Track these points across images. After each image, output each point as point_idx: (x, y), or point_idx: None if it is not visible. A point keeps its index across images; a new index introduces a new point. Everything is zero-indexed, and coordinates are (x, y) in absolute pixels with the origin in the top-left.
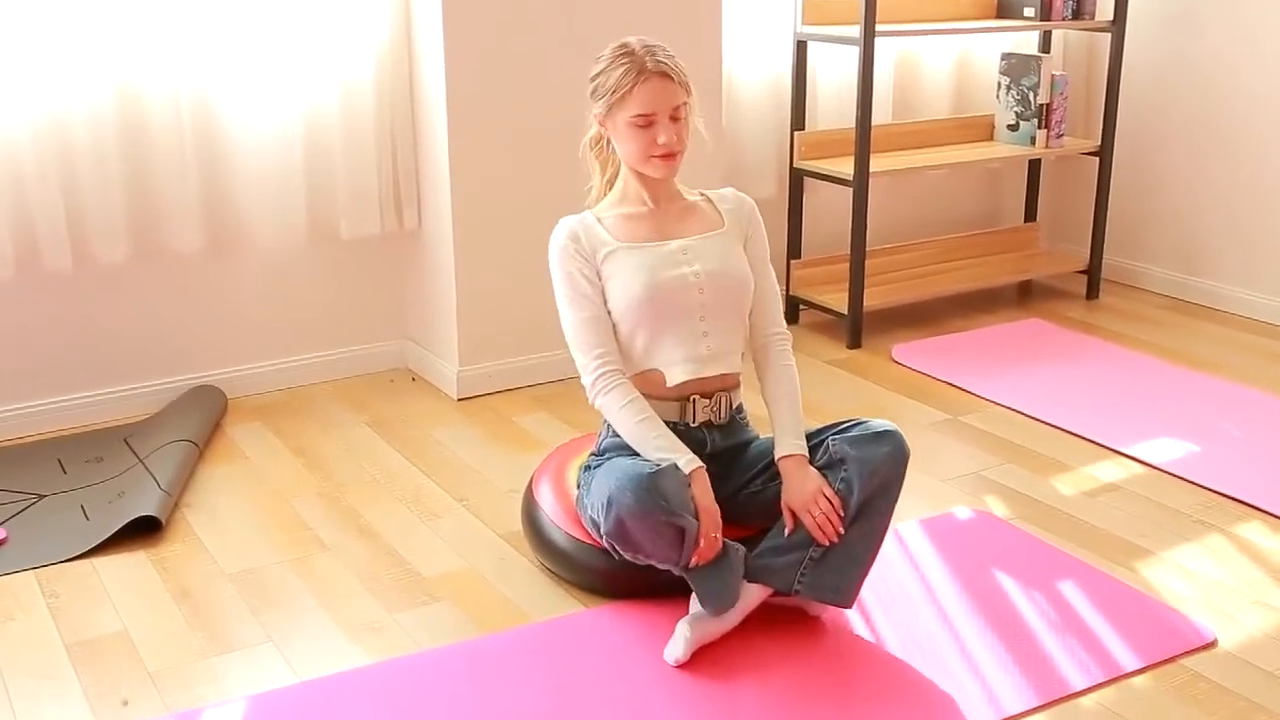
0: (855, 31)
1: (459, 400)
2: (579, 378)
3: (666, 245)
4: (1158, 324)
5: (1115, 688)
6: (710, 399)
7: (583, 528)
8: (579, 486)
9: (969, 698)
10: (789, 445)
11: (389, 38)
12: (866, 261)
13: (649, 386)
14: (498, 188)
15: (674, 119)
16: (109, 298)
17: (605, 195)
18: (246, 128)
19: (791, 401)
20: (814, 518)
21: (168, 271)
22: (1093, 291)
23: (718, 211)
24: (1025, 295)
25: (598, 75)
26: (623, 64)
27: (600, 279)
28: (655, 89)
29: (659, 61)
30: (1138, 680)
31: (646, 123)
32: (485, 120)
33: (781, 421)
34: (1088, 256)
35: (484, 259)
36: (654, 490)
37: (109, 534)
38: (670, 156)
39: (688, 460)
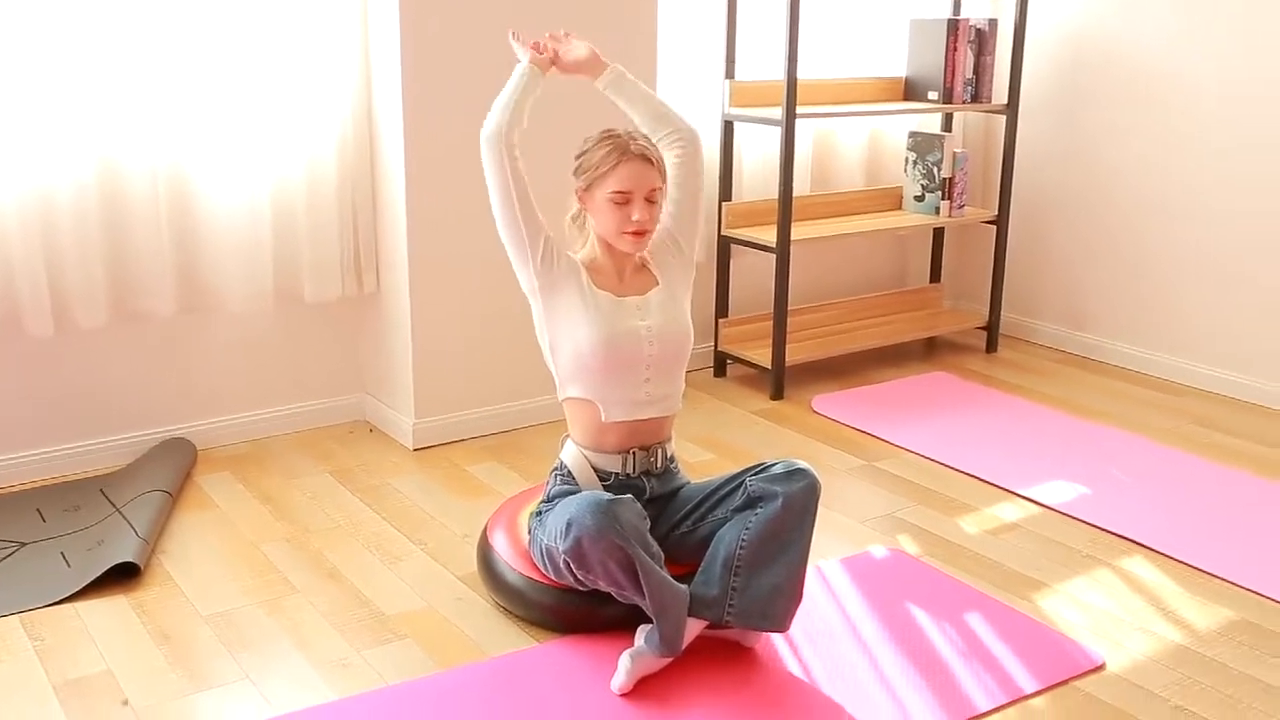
0: (777, 113)
1: (415, 450)
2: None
3: (626, 301)
4: (1050, 375)
5: (1016, 709)
6: (647, 451)
7: (535, 568)
8: (529, 531)
9: None
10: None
11: (351, 115)
12: (788, 320)
13: (586, 426)
14: (452, 255)
15: (649, 200)
16: (88, 358)
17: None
18: (218, 200)
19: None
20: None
21: (143, 333)
22: (991, 346)
23: (650, 270)
24: (931, 350)
25: (582, 154)
26: (607, 145)
27: (543, 264)
28: (635, 170)
29: (641, 146)
30: (1035, 701)
31: (623, 200)
32: (441, 193)
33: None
34: (987, 314)
35: (438, 320)
36: (611, 515)
37: (90, 579)
38: (641, 234)
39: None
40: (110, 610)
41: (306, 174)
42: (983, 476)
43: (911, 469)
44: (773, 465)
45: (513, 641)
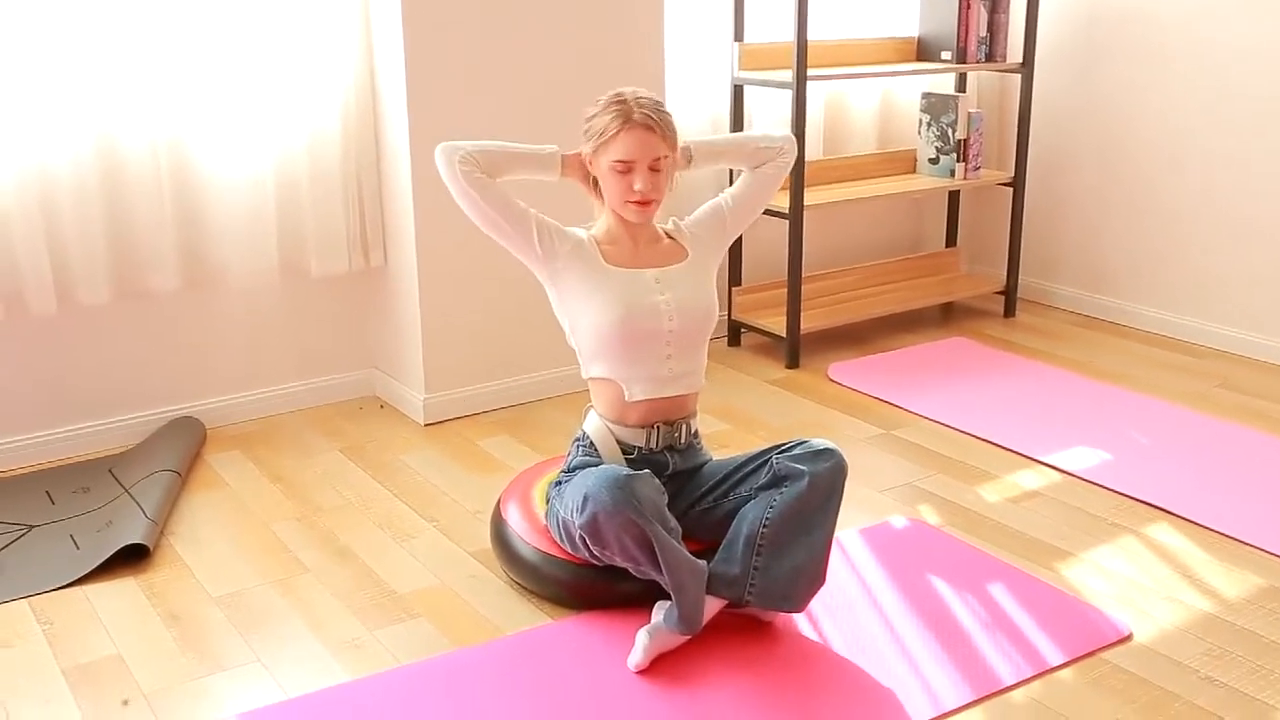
0: (788, 76)
1: (425, 426)
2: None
3: (644, 274)
4: (1069, 339)
5: (1041, 681)
6: (672, 426)
7: (551, 542)
8: (547, 502)
9: (910, 695)
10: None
11: (354, 85)
12: (802, 287)
13: (609, 401)
14: (459, 227)
15: (653, 169)
16: (92, 337)
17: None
18: (221, 175)
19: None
20: None
21: (147, 310)
22: (1009, 310)
23: (679, 243)
24: (948, 315)
25: (590, 118)
26: (612, 111)
27: (545, 253)
28: (637, 138)
29: (645, 114)
30: (1061, 673)
31: (625, 169)
32: None
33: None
34: (1004, 278)
35: (447, 293)
36: (628, 490)
37: (99, 562)
38: (645, 204)
39: (550, 151)
40: (120, 593)
41: (309, 145)
42: (1003, 443)
43: (930, 437)
44: (799, 443)
45: (528, 618)
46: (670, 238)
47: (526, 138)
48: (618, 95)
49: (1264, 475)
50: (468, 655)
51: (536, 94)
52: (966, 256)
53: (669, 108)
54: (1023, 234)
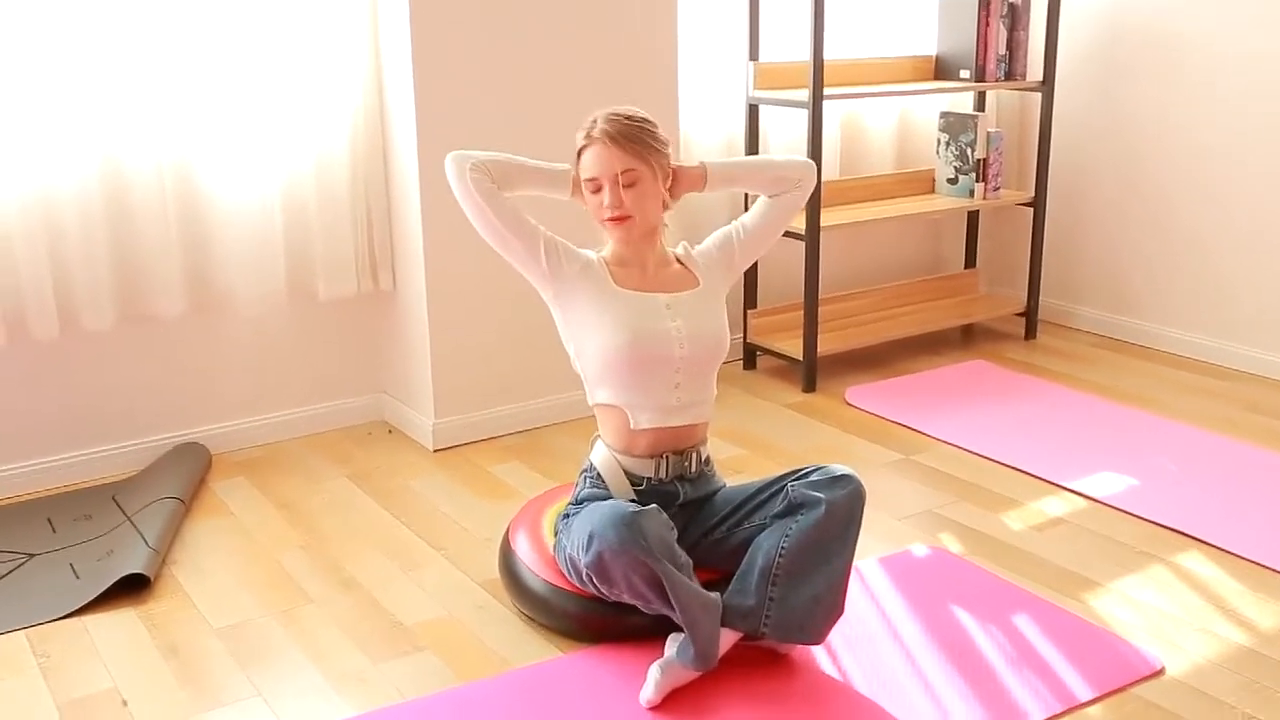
0: (804, 95)
1: (435, 451)
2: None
3: (655, 298)
4: (1092, 362)
5: (1071, 717)
6: (681, 455)
7: (560, 574)
8: (556, 534)
9: None
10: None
11: (362, 106)
12: (819, 309)
13: (615, 429)
14: (469, 249)
15: (626, 185)
16: (95, 362)
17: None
18: (227, 198)
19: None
20: None
21: (152, 335)
22: (1030, 332)
23: (690, 270)
24: (968, 337)
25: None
26: (581, 129)
27: (554, 274)
28: (597, 153)
29: (605, 128)
30: (1091, 710)
31: (594, 187)
32: None
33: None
34: (1025, 299)
35: (456, 316)
36: (635, 528)
37: (99, 592)
38: (619, 220)
39: (563, 169)
40: (118, 624)
41: (316, 168)
42: (1026, 469)
43: (951, 462)
44: (816, 469)
45: (537, 652)
46: (681, 263)
47: (533, 151)
48: (595, 112)
49: None
50: (475, 690)
51: (547, 116)
52: (986, 278)
53: (684, 129)
54: (1043, 254)
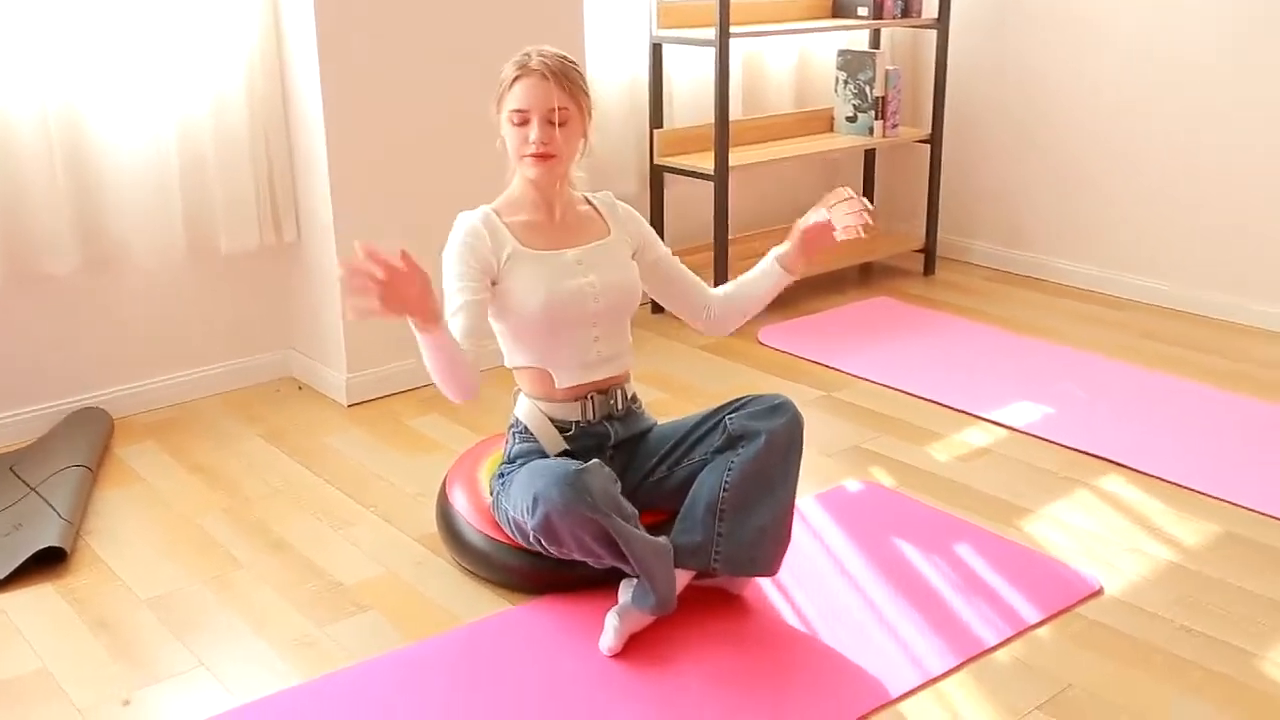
0: (709, 33)
1: (349, 406)
2: None
3: (564, 255)
4: (991, 295)
5: (1022, 640)
6: (605, 394)
7: (500, 530)
8: (492, 494)
9: (894, 664)
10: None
11: (259, 45)
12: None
13: (541, 386)
14: (378, 195)
15: (552, 122)
16: None
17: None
18: (118, 144)
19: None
20: (845, 218)
21: (44, 294)
22: (929, 268)
23: (603, 218)
24: (868, 275)
25: (500, 77)
26: (513, 61)
27: (497, 274)
28: (532, 86)
29: (544, 61)
30: (1040, 631)
31: (521, 120)
32: (362, 128)
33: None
34: (923, 236)
35: None
36: (579, 486)
37: (13, 568)
38: (542, 158)
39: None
40: (39, 601)
41: (213, 111)
42: (944, 401)
43: (870, 397)
44: (750, 400)
45: (485, 605)
46: (591, 206)
47: (440, 91)
48: (524, 49)
49: (1202, 423)
50: (428, 647)
51: (452, 50)
52: (884, 215)
53: (588, 70)
54: (940, 191)
